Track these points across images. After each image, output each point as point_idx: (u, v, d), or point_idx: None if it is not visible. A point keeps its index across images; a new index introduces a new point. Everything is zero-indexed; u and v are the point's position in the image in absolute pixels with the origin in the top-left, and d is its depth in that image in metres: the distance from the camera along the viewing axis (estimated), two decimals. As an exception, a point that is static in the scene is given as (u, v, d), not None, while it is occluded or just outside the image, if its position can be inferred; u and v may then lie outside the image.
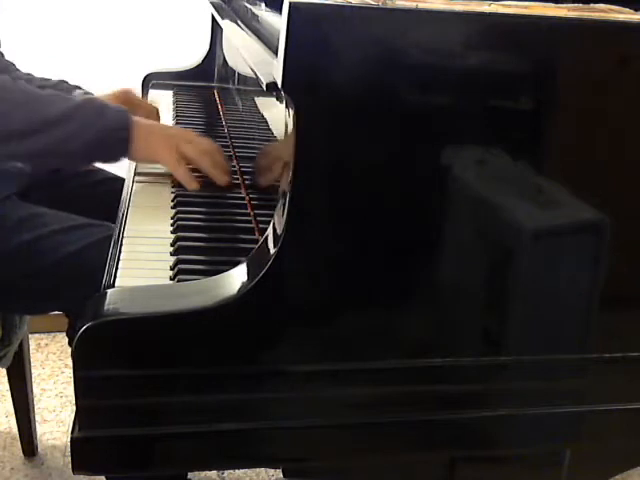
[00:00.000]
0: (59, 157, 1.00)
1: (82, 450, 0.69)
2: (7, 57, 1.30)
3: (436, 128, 0.67)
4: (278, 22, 0.67)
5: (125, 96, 1.32)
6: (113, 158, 1.04)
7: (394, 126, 0.66)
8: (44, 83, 1.27)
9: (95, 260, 0.89)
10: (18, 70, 1.30)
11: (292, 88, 0.63)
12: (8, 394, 1.49)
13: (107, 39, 1.82)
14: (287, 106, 0.68)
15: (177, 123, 1.40)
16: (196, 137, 1.10)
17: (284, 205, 0.66)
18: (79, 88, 1.30)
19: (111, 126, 0.99)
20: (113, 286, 0.77)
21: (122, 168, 1.17)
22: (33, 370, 1.51)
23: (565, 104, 0.69)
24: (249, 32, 0.97)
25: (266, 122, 0.96)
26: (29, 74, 1.30)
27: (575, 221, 0.73)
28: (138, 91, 1.56)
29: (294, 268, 0.68)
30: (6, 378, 1.46)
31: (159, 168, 1.10)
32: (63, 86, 1.29)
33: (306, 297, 0.69)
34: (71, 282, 0.98)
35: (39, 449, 1.56)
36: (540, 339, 0.75)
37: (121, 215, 0.97)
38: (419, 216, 0.69)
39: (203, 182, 1.04)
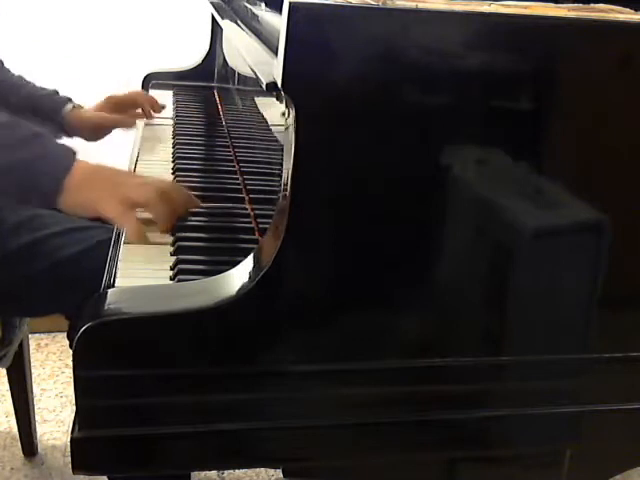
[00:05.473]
0: None
1: (82, 450, 0.69)
2: (5, 55, 1.30)
3: (436, 128, 0.67)
4: (278, 22, 0.67)
5: (108, 103, 1.31)
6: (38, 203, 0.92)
7: (394, 126, 0.66)
8: (35, 91, 1.26)
9: (94, 263, 0.88)
10: (9, 72, 1.30)
11: (292, 88, 0.63)
12: (8, 394, 1.49)
13: (107, 39, 1.82)
14: (287, 106, 0.68)
15: (177, 123, 1.39)
16: (146, 181, 0.93)
17: (284, 205, 0.66)
18: (70, 100, 1.30)
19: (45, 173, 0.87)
20: (113, 286, 0.77)
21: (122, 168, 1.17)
22: (33, 370, 1.51)
23: (565, 104, 0.69)
24: (249, 32, 0.97)
25: (266, 122, 0.96)
26: (20, 76, 1.30)
27: (575, 221, 0.73)
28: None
29: (294, 268, 0.68)
30: (6, 378, 1.46)
31: (158, 168, 1.09)
32: (55, 97, 1.28)
33: (306, 297, 0.69)
34: (70, 285, 0.97)
35: (39, 449, 1.55)
36: (540, 339, 0.75)
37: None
38: (419, 216, 0.69)
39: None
